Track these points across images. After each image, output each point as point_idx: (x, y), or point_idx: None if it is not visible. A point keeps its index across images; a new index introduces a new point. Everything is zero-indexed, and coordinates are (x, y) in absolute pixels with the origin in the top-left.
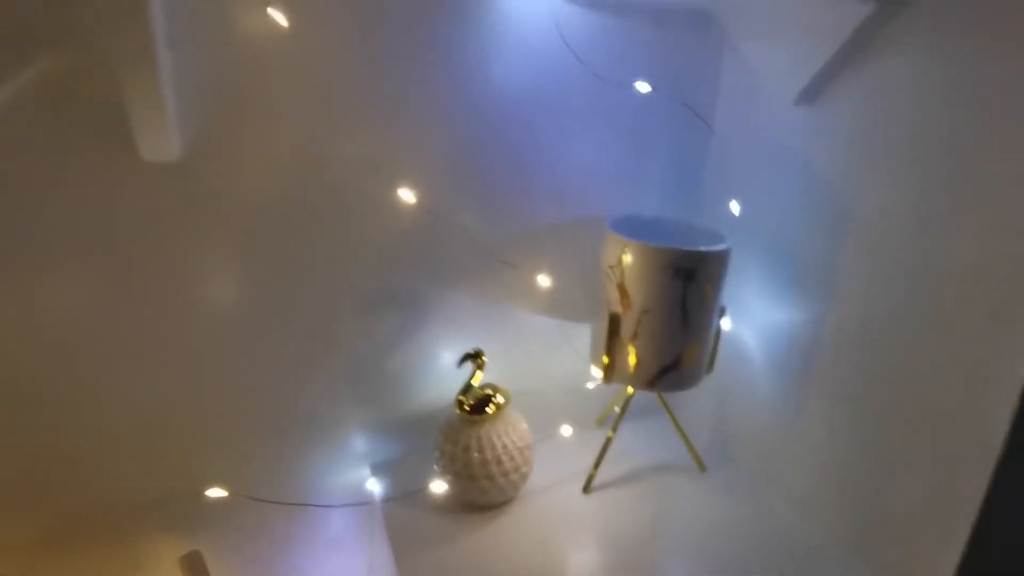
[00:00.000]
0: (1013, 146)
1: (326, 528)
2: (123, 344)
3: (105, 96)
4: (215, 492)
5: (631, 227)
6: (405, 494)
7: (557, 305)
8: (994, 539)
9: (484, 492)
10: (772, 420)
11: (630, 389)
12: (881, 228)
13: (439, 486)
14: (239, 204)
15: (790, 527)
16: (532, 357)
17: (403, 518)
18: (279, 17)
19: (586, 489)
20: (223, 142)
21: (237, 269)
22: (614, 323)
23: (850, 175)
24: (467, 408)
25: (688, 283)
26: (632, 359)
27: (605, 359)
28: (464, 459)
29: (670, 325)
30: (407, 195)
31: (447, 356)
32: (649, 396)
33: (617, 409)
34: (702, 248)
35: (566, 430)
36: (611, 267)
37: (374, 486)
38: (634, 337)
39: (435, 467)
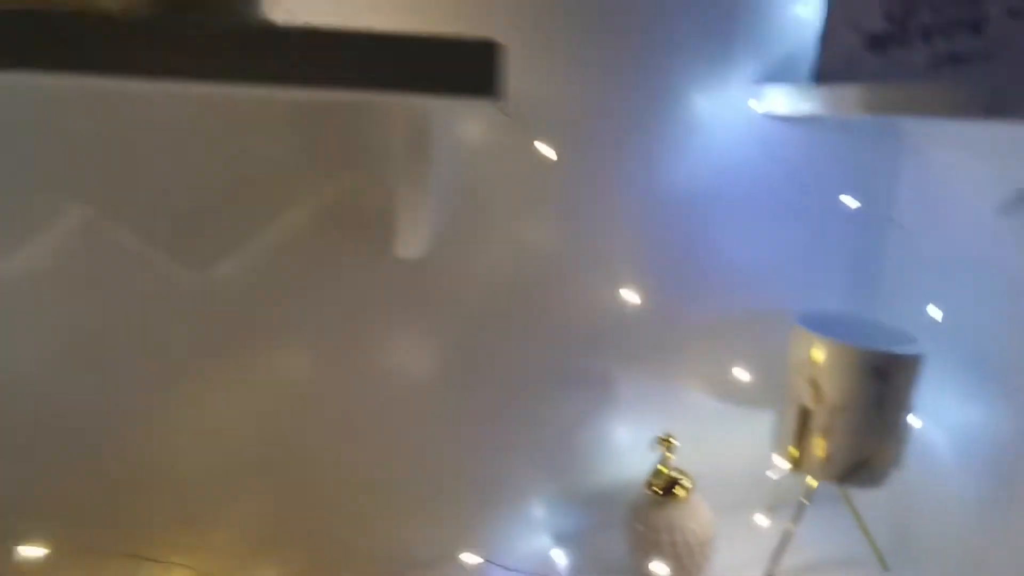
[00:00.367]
0: None
1: None
2: (343, 414)
3: (380, 205)
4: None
5: (820, 323)
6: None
7: (734, 391)
8: None
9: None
10: (970, 525)
11: (814, 481)
12: None
13: (660, 567)
14: (464, 292)
15: None
16: (712, 443)
17: None
18: (548, 151)
19: None
20: (459, 239)
21: (452, 348)
22: (804, 416)
23: None
24: (657, 491)
25: (884, 383)
26: (821, 452)
27: (794, 451)
28: (654, 540)
29: (864, 423)
30: (627, 294)
31: (627, 435)
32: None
33: (805, 501)
34: (901, 351)
35: (760, 519)
36: (802, 362)
37: (559, 557)
38: (825, 432)
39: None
